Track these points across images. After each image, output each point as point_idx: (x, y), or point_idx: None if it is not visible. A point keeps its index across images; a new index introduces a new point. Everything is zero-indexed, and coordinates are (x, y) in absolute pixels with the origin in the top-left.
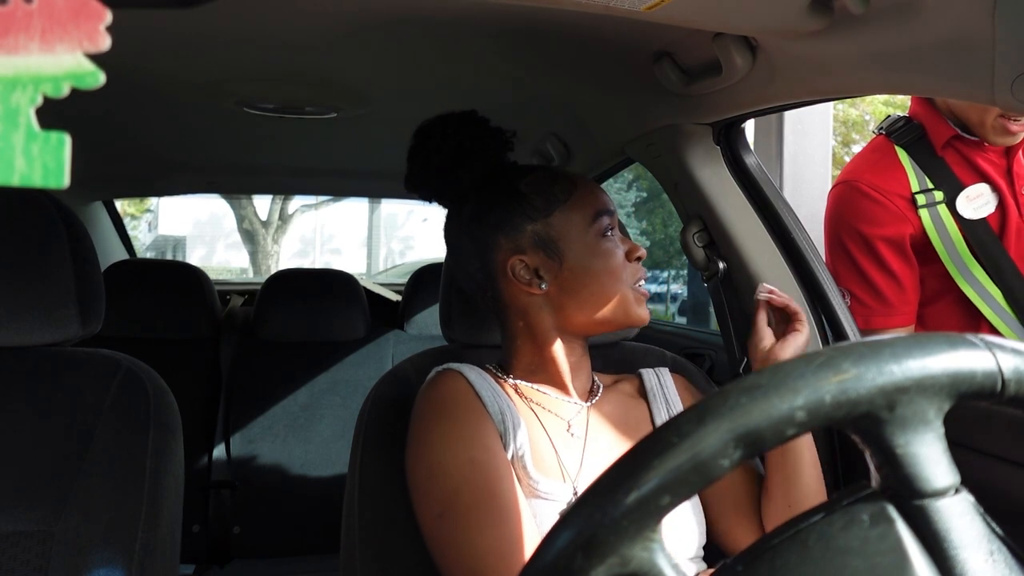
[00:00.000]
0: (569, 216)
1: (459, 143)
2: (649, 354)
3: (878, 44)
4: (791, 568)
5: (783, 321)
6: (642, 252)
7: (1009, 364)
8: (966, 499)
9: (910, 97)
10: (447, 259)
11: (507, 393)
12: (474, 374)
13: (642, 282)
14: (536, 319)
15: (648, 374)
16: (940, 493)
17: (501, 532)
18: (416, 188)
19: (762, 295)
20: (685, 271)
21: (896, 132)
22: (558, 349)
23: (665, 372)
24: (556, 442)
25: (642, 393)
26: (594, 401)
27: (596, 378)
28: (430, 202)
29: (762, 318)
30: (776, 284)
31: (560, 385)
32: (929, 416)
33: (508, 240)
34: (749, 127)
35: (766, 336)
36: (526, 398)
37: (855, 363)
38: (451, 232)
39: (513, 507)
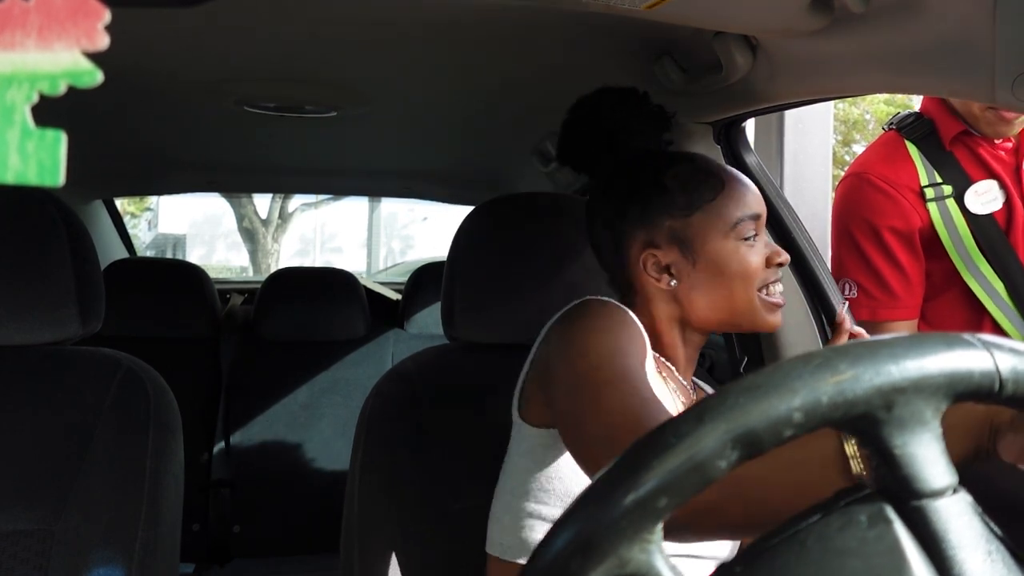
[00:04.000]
0: (710, 218)
1: (613, 121)
2: None
3: (878, 43)
4: (789, 569)
5: None
6: (784, 258)
7: (1007, 364)
8: (964, 499)
9: (912, 96)
10: (450, 256)
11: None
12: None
13: (775, 289)
14: (659, 308)
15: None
16: (938, 493)
17: (634, 399)
18: (567, 161)
19: (854, 326)
20: None
21: (906, 127)
22: (675, 339)
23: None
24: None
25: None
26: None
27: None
28: (579, 173)
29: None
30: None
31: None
32: (927, 416)
33: (644, 233)
34: (749, 126)
35: None
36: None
37: (852, 364)
38: (592, 211)
39: (650, 389)
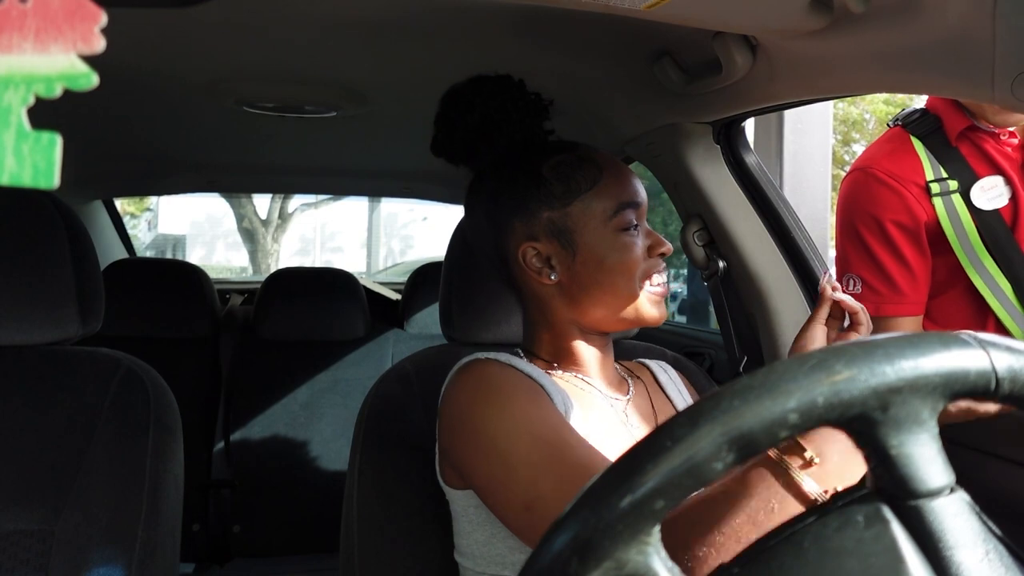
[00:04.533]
0: (589, 206)
1: (487, 111)
2: (649, 352)
3: (878, 43)
4: (787, 570)
5: (840, 319)
6: (667, 248)
7: (1003, 362)
8: (961, 498)
9: (911, 96)
10: (447, 256)
11: (551, 376)
12: (505, 357)
13: (659, 279)
14: (550, 308)
15: (655, 367)
16: (935, 493)
17: (540, 454)
18: (440, 153)
19: (837, 293)
20: (685, 270)
21: (912, 123)
22: (577, 342)
23: (668, 366)
24: (614, 429)
25: (659, 384)
26: (630, 396)
27: (619, 370)
28: (456, 166)
29: (823, 314)
30: (776, 283)
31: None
32: (923, 416)
33: (523, 225)
34: (749, 126)
35: (819, 336)
36: (568, 383)
37: (847, 364)
38: (470, 205)
39: (594, 460)
